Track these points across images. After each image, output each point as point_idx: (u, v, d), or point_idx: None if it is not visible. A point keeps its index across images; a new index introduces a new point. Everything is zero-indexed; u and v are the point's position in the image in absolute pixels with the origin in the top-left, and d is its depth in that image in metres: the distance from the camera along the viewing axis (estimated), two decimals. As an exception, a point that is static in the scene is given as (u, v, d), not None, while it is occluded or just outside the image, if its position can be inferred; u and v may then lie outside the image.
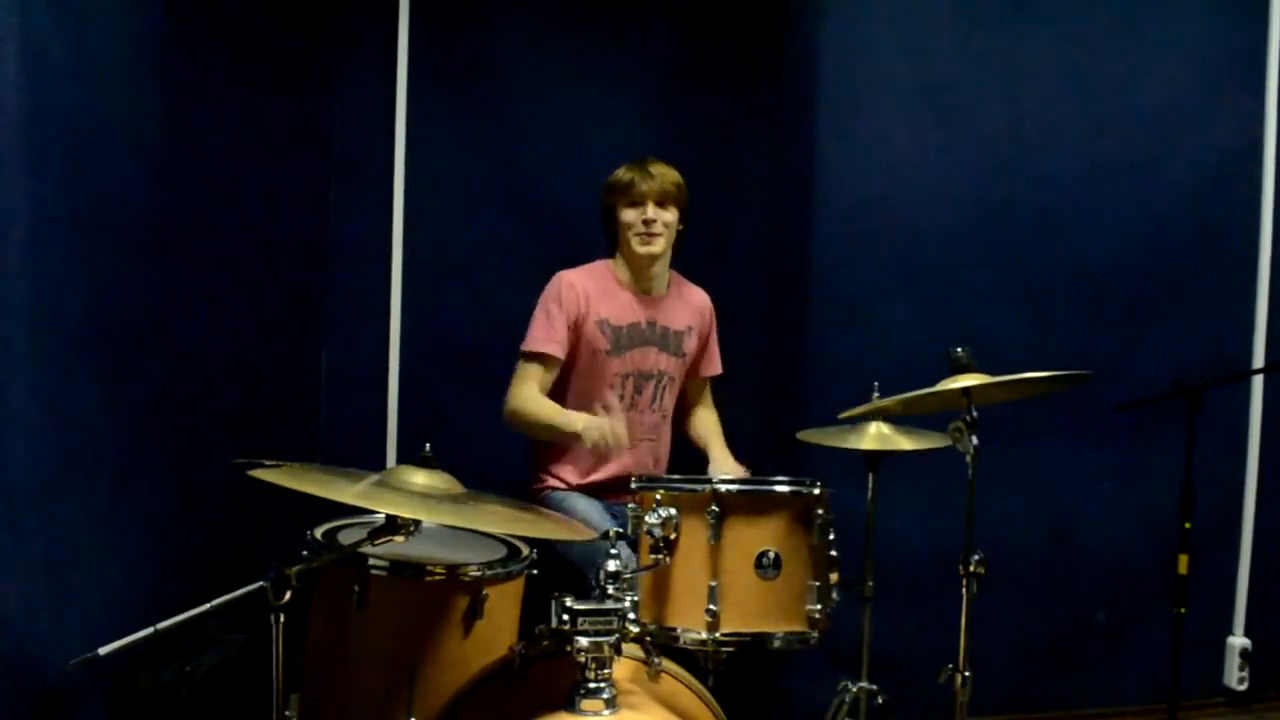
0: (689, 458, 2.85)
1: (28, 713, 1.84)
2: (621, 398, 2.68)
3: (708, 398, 2.95)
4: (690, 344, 2.79)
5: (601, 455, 2.59)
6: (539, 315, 2.66)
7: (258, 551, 1.91)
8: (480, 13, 3.31)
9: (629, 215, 2.66)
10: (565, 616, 1.67)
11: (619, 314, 2.70)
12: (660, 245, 2.67)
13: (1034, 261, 3.20)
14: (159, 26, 2.30)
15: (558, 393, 2.69)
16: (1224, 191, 3.32)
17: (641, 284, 2.73)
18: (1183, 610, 2.83)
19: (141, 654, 2.10)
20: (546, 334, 2.63)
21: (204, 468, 2.43)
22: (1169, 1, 3.28)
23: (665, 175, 2.68)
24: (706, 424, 2.89)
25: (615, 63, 3.40)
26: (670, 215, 2.68)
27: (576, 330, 2.65)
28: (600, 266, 2.75)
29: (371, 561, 1.91)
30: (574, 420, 2.51)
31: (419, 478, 1.73)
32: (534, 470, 2.76)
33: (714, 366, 2.91)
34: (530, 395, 2.60)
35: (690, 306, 2.81)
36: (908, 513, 2.92)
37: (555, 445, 2.69)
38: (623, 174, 2.69)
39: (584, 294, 2.66)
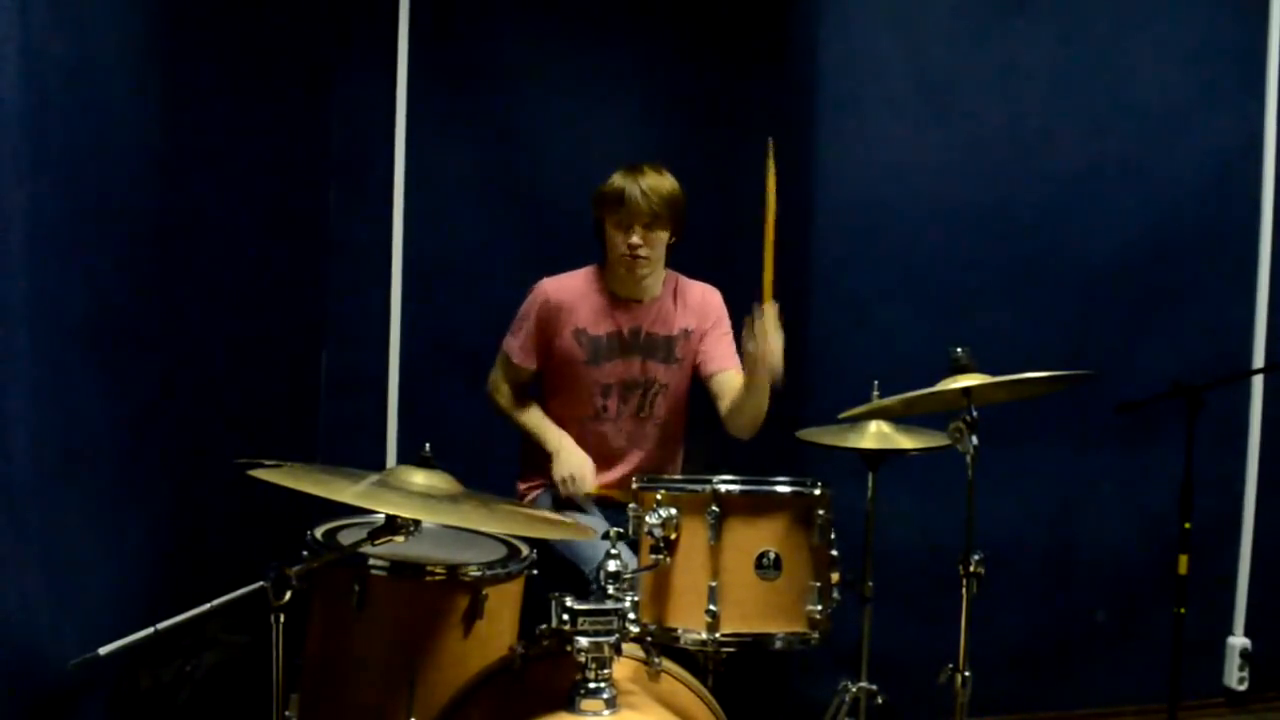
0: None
1: (28, 713, 1.83)
2: (605, 407, 2.62)
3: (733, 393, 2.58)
4: (686, 347, 2.66)
5: (568, 492, 2.54)
6: (516, 321, 2.67)
7: (258, 551, 1.91)
8: (480, 13, 3.31)
9: (615, 237, 2.54)
10: (565, 616, 1.67)
11: (599, 324, 2.61)
12: (646, 268, 2.56)
13: (1034, 261, 3.20)
14: (159, 26, 2.30)
15: (541, 396, 2.71)
16: (1224, 191, 3.32)
17: (629, 292, 2.63)
18: (1183, 610, 2.84)
19: (141, 654, 2.10)
20: (518, 343, 2.65)
21: (204, 467, 2.43)
22: (1169, 1, 3.28)
23: (656, 191, 2.50)
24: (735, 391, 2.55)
25: (615, 63, 3.41)
26: (659, 237, 2.54)
27: (549, 344, 2.61)
28: (588, 273, 2.66)
29: (371, 561, 1.91)
30: (550, 441, 2.59)
31: (419, 478, 1.73)
32: (524, 471, 2.74)
33: (722, 362, 2.63)
34: (508, 393, 2.70)
35: (688, 308, 2.68)
36: (908, 512, 2.92)
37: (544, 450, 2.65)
38: (614, 184, 2.53)
39: (559, 307, 2.58)
